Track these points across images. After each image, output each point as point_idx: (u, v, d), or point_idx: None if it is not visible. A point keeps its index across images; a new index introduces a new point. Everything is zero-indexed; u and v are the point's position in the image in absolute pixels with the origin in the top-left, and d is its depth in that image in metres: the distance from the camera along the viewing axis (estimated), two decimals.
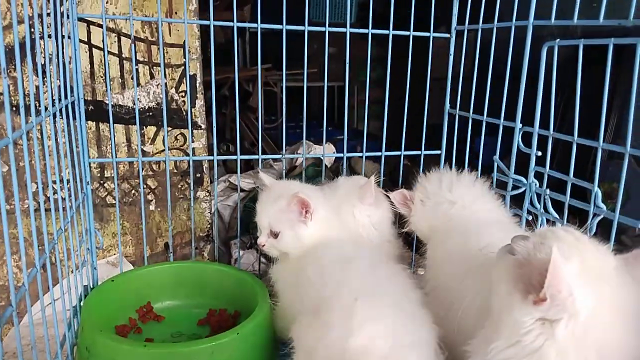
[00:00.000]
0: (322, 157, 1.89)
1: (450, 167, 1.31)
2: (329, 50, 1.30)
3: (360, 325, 0.78)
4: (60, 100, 0.96)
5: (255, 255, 1.86)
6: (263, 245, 1.03)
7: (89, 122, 1.43)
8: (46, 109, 0.87)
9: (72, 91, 1.07)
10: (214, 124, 1.26)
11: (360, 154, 1.38)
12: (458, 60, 1.27)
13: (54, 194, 0.92)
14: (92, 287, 1.16)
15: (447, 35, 1.30)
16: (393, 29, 1.27)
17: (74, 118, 1.06)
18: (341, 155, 1.37)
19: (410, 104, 1.34)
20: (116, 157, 1.33)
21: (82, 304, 1.05)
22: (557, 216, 1.00)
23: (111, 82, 1.44)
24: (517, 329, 0.71)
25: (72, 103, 1.06)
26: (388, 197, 1.17)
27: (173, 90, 1.51)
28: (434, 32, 1.29)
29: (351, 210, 1.15)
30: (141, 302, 1.10)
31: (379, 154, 1.36)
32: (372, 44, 1.32)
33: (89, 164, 1.14)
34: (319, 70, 1.35)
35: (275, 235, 1.01)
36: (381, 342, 0.78)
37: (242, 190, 2.12)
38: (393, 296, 0.86)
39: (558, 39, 0.96)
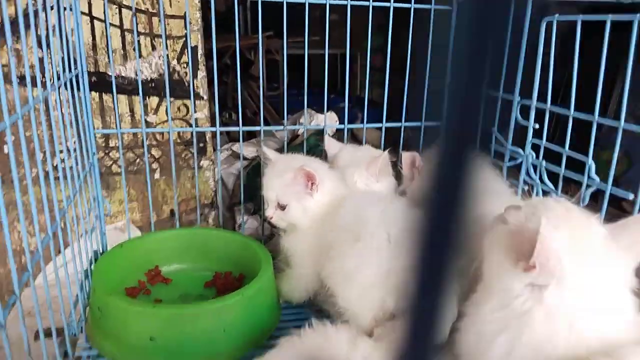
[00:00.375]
0: (324, 129, 1.91)
1: None
2: (330, 17, 1.29)
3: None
4: (64, 71, 0.98)
5: (259, 220, 1.90)
6: (271, 218, 1.06)
7: (93, 93, 1.45)
8: (51, 81, 0.89)
9: (75, 64, 1.08)
10: (216, 94, 1.28)
11: (360, 125, 1.40)
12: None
13: (61, 162, 0.95)
14: (101, 252, 1.21)
15: (449, 7, 1.31)
16: (394, 1, 1.28)
17: (78, 90, 1.08)
18: (342, 126, 1.39)
19: (412, 71, 1.33)
20: (120, 127, 1.35)
21: (92, 267, 1.10)
22: (552, 187, 1.04)
23: (113, 54, 1.45)
24: (507, 294, 0.75)
25: (76, 75, 1.08)
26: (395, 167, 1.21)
27: (175, 62, 1.53)
28: (435, 4, 1.29)
29: (353, 172, 1.19)
30: (149, 266, 1.14)
31: (379, 125, 1.38)
32: (373, 12, 1.32)
33: (94, 134, 1.17)
34: (321, 37, 1.35)
35: (282, 207, 1.04)
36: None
37: (244, 158, 2.15)
38: None
39: (557, 14, 0.97)
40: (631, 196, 0.87)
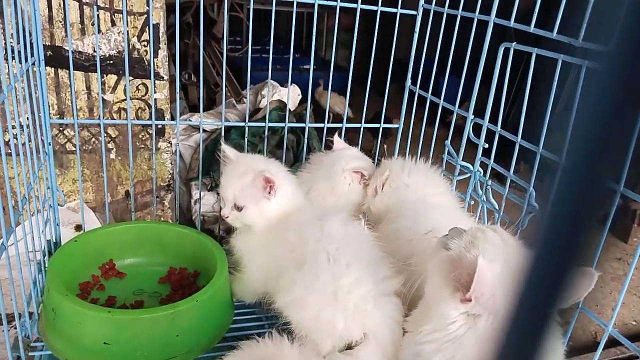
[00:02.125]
0: (286, 103, 1.90)
1: (406, 141, 1.38)
2: None
3: (346, 266, 0.91)
4: (20, 54, 0.95)
5: (215, 196, 1.91)
6: (227, 217, 1.08)
7: (48, 68, 1.39)
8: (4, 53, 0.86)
9: (32, 49, 1.04)
10: (177, 54, 1.23)
11: (321, 125, 1.41)
12: (423, 38, 1.30)
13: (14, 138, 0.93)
14: (55, 241, 1.20)
15: (413, 12, 1.32)
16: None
17: (35, 81, 1.05)
18: (303, 125, 1.40)
19: (379, 41, 1.34)
20: (76, 104, 1.31)
21: (46, 260, 1.10)
22: (496, 207, 1.10)
23: (70, 28, 1.39)
24: (444, 319, 0.82)
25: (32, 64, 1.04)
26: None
27: (135, 39, 1.48)
28: (402, 8, 1.30)
29: (344, 170, 1.23)
30: (104, 260, 1.15)
31: (339, 125, 1.40)
32: None
33: (50, 124, 1.14)
34: None
35: (239, 208, 1.06)
36: (365, 279, 0.91)
37: (204, 131, 2.13)
38: (364, 247, 0.98)
39: (514, 42, 1.01)
40: None
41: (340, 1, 1.26)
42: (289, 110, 2.12)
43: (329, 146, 1.34)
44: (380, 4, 1.28)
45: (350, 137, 1.44)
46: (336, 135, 1.31)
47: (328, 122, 1.40)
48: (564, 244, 0.21)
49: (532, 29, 0.97)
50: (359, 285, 0.91)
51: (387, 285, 0.94)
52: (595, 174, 0.19)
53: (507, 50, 1.03)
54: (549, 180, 0.21)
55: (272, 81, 2.49)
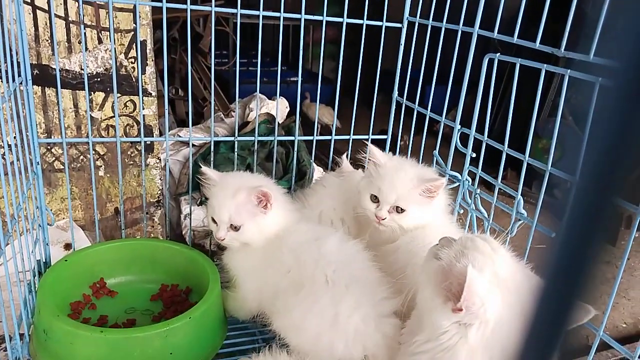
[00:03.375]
0: (275, 116, 1.91)
1: (394, 152, 1.39)
2: None
3: (346, 288, 0.91)
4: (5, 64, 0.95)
5: (205, 211, 1.91)
6: (222, 239, 1.04)
7: (35, 87, 1.39)
8: None
9: (19, 67, 1.04)
10: (165, 68, 1.23)
11: (310, 138, 1.42)
12: (408, 50, 1.31)
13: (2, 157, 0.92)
14: (44, 261, 1.19)
15: (399, 25, 1.33)
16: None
17: (22, 100, 1.05)
18: (292, 138, 1.41)
19: (366, 53, 1.35)
20: (64, 123, 1.31)
21: (36, 281, 1.09)
22: (485, 215, 1.11)
23: (57, 46, 1.39)
24: (436, 329, 0.82)
25: (20, 83, 1.04)
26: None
27: (122, 56, 1.48)
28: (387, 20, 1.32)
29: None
30: (94, 279, 1.14)
31: (328, 137, 1.41)
32: None
33: (38, 144, 1.13)
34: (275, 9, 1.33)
35: (236, 228, 1.03)
36: (364, 301, 0.91)
37: (192, 145, 2.13)
38: (361, 267, 0.98)
39: (499, 53, 1.03)
40: (553, 234, 0.95)
41: (327, 15, 1.28)
42: (278, 123, 2.13)
43: (319, 158, 1.35)
44: (365, 17, 1.30)
45: (338, 148, 1.45)
46: (344, 157, 1.32)
47: (316, 134, 1.42)
48: (577, 266, 0.21)
49: (515, 39, 0.99)
50: (359, 308, 0.91)
51: (386, 306, 0.94)
52: (608, 195, 0.20)
53: (491, 61, 1.05)
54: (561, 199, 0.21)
55: (259, 94, 2.50)
